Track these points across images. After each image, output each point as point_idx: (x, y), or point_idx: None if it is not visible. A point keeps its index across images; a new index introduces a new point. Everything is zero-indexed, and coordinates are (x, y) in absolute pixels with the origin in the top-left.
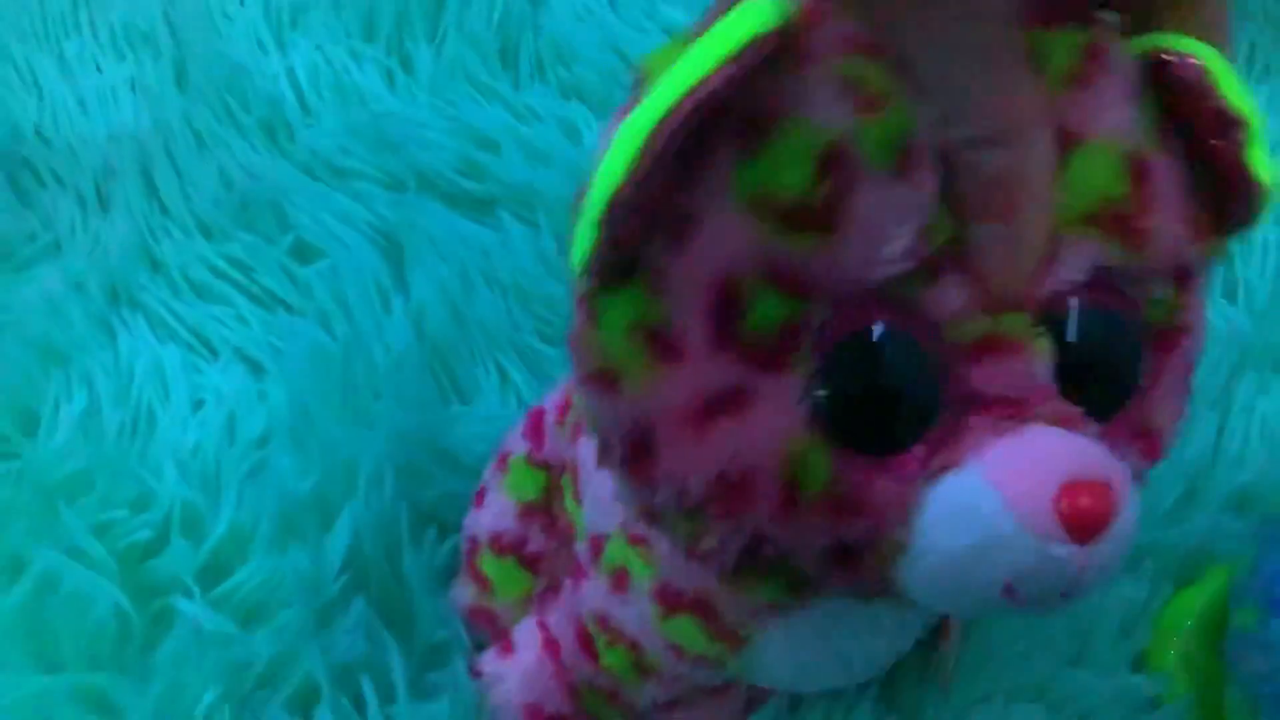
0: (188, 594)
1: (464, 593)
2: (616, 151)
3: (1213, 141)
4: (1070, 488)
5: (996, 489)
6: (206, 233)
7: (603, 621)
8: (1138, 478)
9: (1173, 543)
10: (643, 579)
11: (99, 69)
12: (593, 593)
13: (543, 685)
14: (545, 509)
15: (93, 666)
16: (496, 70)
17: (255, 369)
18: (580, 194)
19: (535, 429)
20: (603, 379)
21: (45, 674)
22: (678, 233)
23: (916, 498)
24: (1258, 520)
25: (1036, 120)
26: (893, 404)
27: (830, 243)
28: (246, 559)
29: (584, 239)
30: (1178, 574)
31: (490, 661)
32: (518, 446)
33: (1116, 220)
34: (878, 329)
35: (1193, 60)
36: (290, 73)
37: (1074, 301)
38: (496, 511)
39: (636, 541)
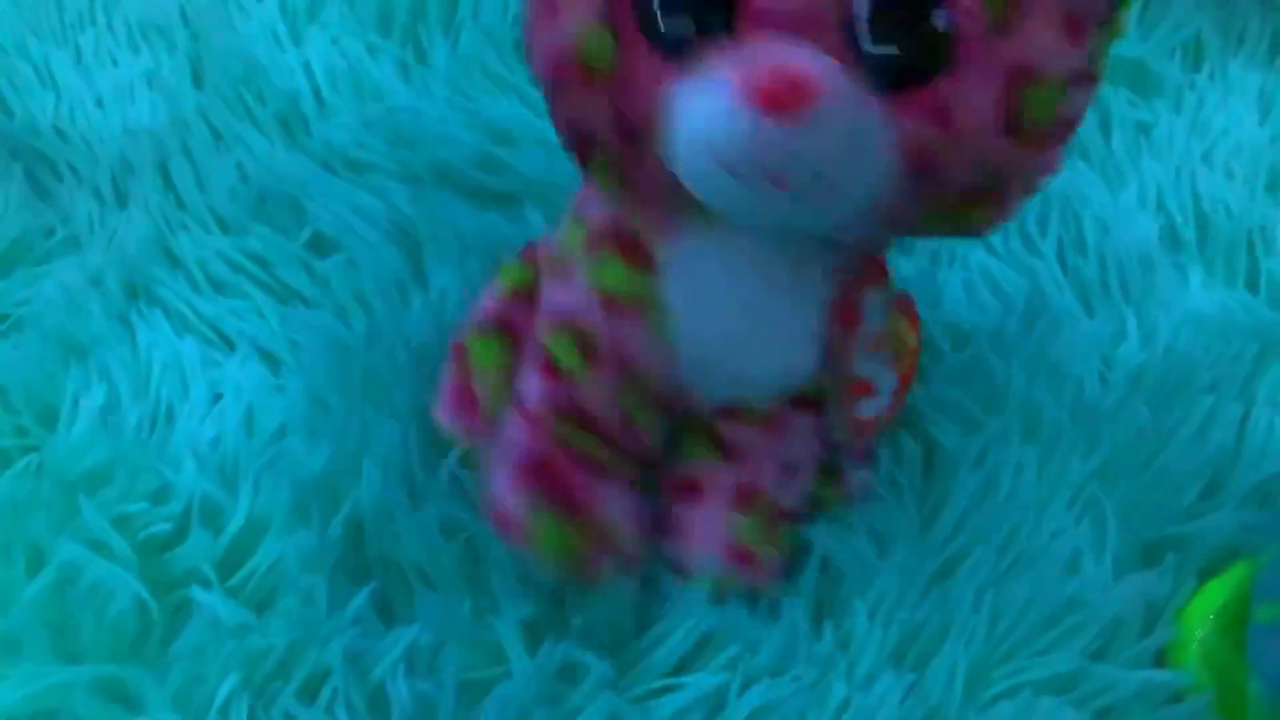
0: (206, 585)
1: (447, 385)
2: None
3: None
4: (773, 74)
5: (725, 78)
6: (224, 227)
7: (550, 319)
8: (927, 152)
9: (1195, 537)
10: (576, 246)
11: (115, 65)
12: (544, 300)
13: (524, 441)
14: (529, 292)
15: (113, 658)
16: (512, 63)
17: (273, 362)
18: None
19: (529, 250)
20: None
21: (66, 665)
22: None
23: (680, 89)
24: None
25: None
26: (682, 10)
27: None
28: (260, 547)
29: None
30: (1201, 569)
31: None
32: (510, 260)
33: None
34: None
35: None
36: (306, 67)
37: None
38: (485, 298)
39: (577, 210)
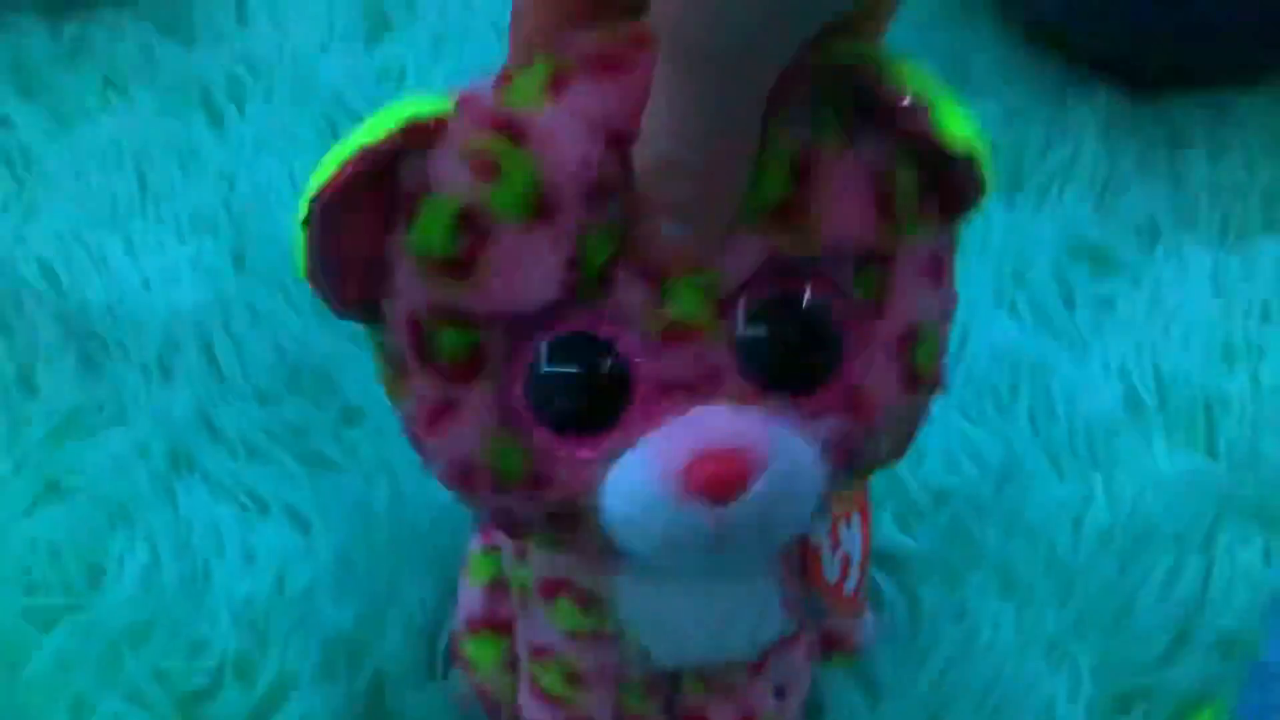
0: None
1: (460, 682)
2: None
3: (902, 128)
4: (700, 457)
5: (650, 462)
6: (261, 399)
7: (530, 648)
8: (850, 442)
9: (1164, 685)
10: (528, 589)
11: (163, 250)
12: (521, 629)
13: None
14: (503, 584)
15: None
16: None
17: (303, 525)
18: None
19: (488, 533)
20: (387, 393)
21: None
22: (387, 281)
23: (601, 473)
24: (1243, 663)
25: None
26: (581, 396)
27: (476, 285)
28: (290, 699)
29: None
30: (1169, 716)
31: None
32: (474, 544)
33: (780, 214)
34: (543, 345)
35: (868, 62)
36: None
37: (741, 301)
38: (465, 601)
39: (518, 554)
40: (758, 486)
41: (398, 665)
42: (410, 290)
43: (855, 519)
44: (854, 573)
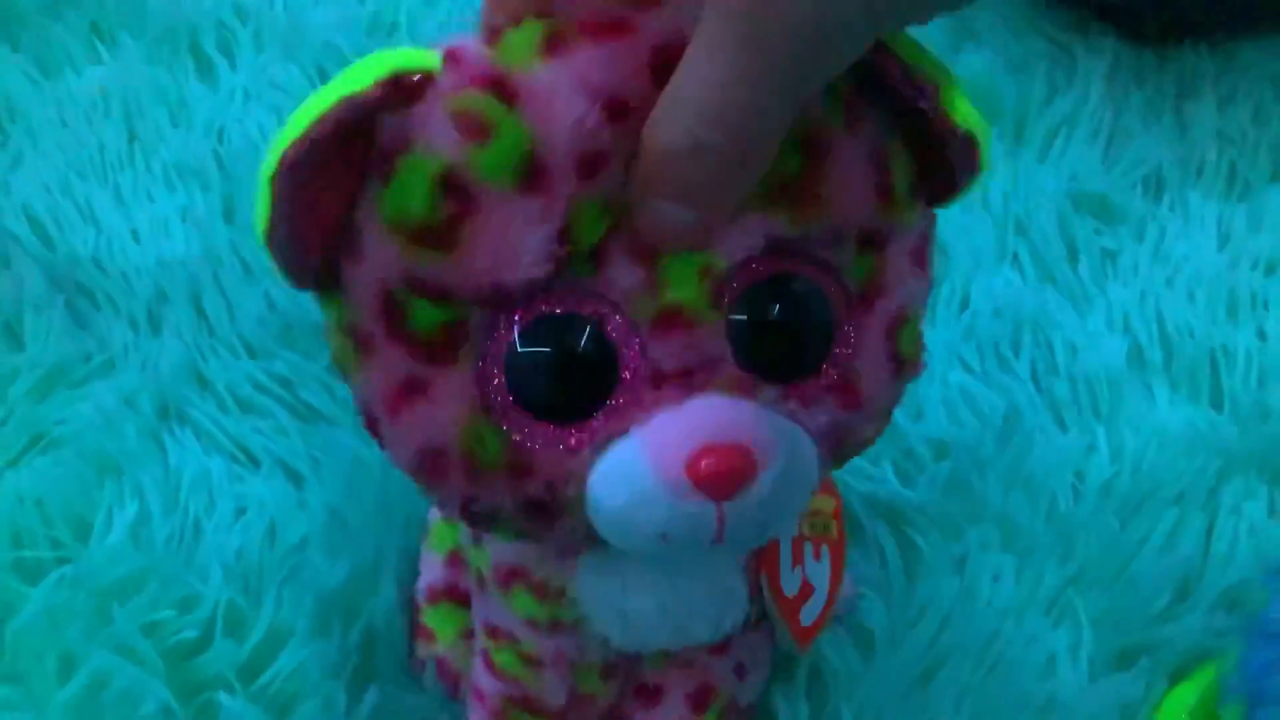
0: (230, 690)
1: (419, 650)
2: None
3: (910, 108)
4: (704, 451)
5: (646, 454)
6: (251, 352)
7: (486, 627)
8: (840, 429)
9: (1166, 641)
10: (485, 571)
11: (152, 202)
12: (476, 606)
13: None
14: (461, 554)
15: None
16: None
17: (295, 478)
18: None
19: None
20: (339, 368)
21: None
22: (352, 247)
23: (587, 462)
24: (1246, 618)
25: None
26: (565, 380)
27: (457, 258)
28: (284, 653)
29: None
30: (1172, 671)
31: None
32: (434, 513)
33: (785, 192)
34: (525, 324)
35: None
36: None
37: (736, 286)
38: (426, 569)
39: (475, 537)
40: (763, 480)
41: (390, 620)
42: (381, 257)
43: (825, 552)
44: (816, 605)
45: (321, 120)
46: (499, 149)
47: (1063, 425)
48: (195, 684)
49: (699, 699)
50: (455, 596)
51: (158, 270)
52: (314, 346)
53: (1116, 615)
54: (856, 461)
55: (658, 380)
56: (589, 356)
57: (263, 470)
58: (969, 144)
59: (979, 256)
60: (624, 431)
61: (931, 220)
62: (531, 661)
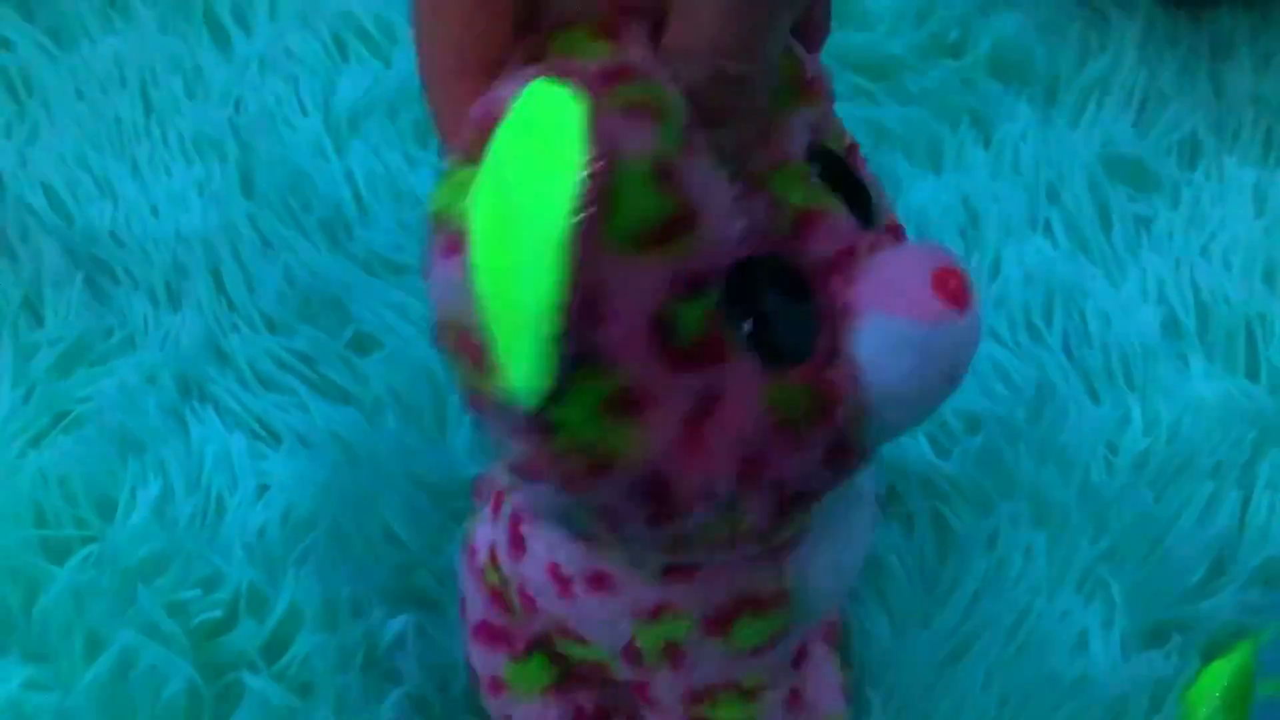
0: (254, 669)
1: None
2: (527, 275)
3: None
4: (936, 276)
5: (893, 314)
6: (271, 327)
7: (689, 694)
8: None
9: (1200, 617)
10: (690, 629)
11: (169, 175)
12: (673, 678)
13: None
14: (569, 679)
15: None
16: None
17: (315, 454)
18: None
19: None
20: (592, 470)
21: None
22: (587, 306)
23: (850, 367)
24: None
25: None
26: (793, 308)
27: (697, 239)
28: (304, 633)
29: (527, 365)
30: (1206, 648)
31: None
32: (507, 666)
33: (803, 86)
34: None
35: None
36: (349, 176)
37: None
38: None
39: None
40: (975, 301)
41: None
42: (634, 287)
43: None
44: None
45: (590, 184)
46: (674, 121)
47: (1095, 397)
48: (220, 663)
49: (829, 636)
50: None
51: (176, 244)
52: (333, 321)
53: (1149, 591)
54: None
55: (834, 271)
56: (786, 284)
57: (284, 446)
58: None
59: (1009, 224)
60: (858, 323)
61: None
62: (754, 693)
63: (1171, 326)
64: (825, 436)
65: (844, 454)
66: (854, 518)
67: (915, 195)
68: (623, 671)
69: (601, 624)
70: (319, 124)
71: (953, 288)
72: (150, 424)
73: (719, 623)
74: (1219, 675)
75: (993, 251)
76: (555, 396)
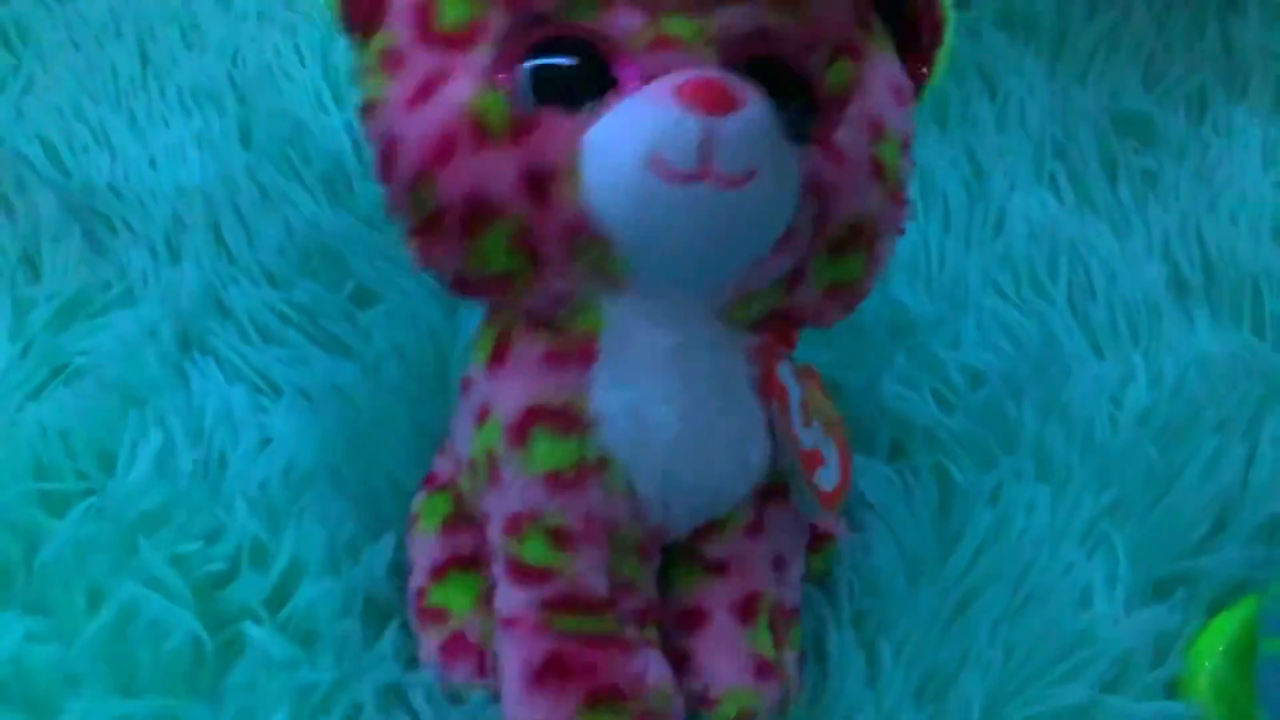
0: (257, 620)
1: (429, 645)
2: None
3: None
4: (692, 81)
5: (636, 96)
6: (272, 280)
7: (507, 522)
8: (825, 187)
9: (1204, 572)
10: (495, 447)
11: (167, 127)
12: (492, 510)
13: (527, 651)
14: (460, 517)
15: (169, 691)
16: None
17: (317, 408)
18: None
19: (430, 479)
20: (367, 111)
21: (126, 699)
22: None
23: (584, 127)
24: None
25: None
26: (570, 76)
27: None
28: (306, 584)
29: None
30: (1209, 603)
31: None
32: (418, 499)
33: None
34: (528, 37)
35: None
36: (349, 128)
37: (725, 51)
38: (421, 554)
39: (479, 418)
40: (746, 115)
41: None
42: None
43: (832, 443)
44: (831, 475)
45: None
46: None
47: (1100, 352)
48: (223, 615)
49: (746, 609)
50: (462, 562)
51: (175, 197)
52: (334, 276)
53: (1153, 546)
54: (897, 386)
55: (648, 79)
56: (586, 65)
57: (284, 399)
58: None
59: (1015, 178)
60: (640, 92)
61: (911, 87)
62: (562, 539)
63: (1177, 282)
64: (522, 160)
65: (545, 194)
66: (696, 391)
67: (920, 150)
68: (473, 496)
69: (463, 437)
70: (318, 76)
71: (698, 89)
72: (150, 377)
73: (519, 430)
74: (1223, 630)
75: (998, 206)
76: (363, 38)
